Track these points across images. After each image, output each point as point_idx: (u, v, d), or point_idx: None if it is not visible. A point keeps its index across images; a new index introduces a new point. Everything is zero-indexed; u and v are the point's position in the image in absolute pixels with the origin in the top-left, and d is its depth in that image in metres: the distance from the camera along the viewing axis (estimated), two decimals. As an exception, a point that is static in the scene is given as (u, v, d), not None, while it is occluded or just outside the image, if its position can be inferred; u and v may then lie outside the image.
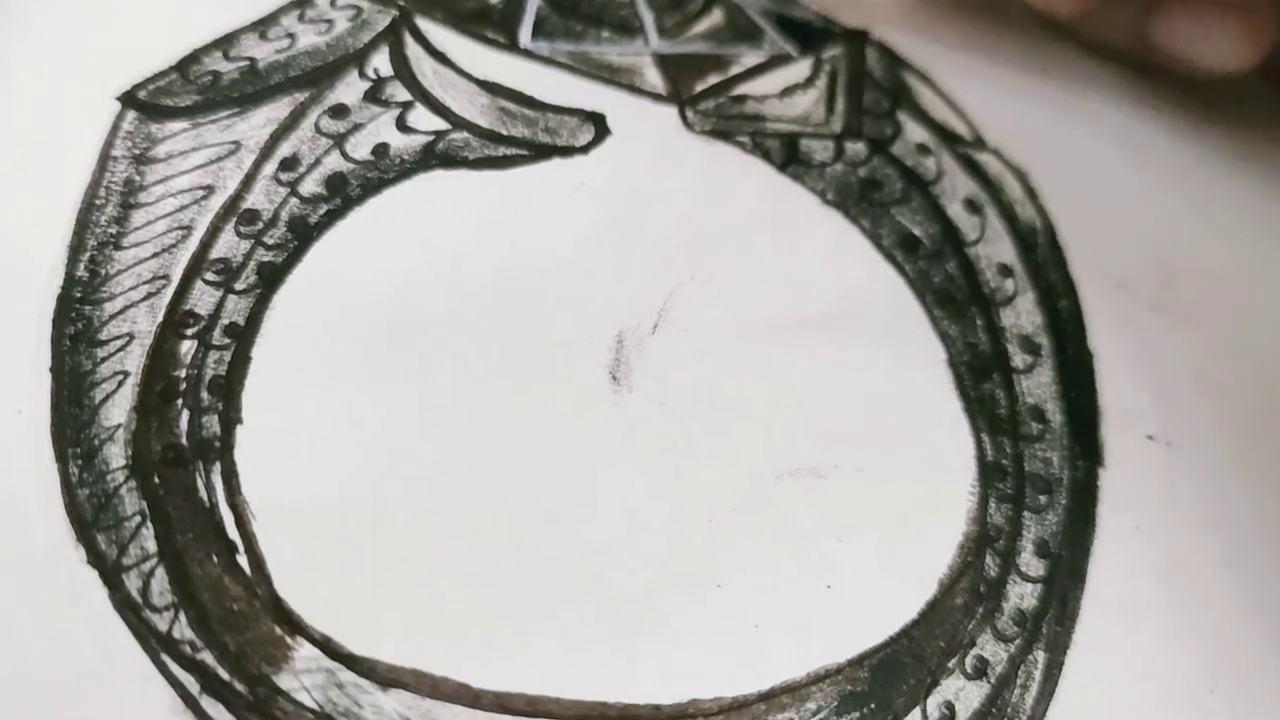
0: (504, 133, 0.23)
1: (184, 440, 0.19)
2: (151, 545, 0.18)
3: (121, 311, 0.19)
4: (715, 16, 0.26)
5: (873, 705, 0.19)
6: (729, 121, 0.24)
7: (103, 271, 0.20)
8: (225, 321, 0.20)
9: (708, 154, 0.24)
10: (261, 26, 0.23)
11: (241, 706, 0.17)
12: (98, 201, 0.20)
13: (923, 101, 0.26)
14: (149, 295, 0.20)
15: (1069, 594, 0.21)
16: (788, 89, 0.25)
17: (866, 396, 0.22)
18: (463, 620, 0.18)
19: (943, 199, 0.24)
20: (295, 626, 0.18)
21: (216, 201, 0.21)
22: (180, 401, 0.19)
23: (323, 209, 0.21)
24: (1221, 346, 0.24)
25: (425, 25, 0.24)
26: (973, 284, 0.24)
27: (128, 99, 0.22)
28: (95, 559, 0.17)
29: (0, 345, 0.19)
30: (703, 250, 0.23)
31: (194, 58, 0.22)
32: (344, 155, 0.22)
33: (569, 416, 0.20)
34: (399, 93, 0.23)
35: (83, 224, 0.20)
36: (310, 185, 0.21)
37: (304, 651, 0.17)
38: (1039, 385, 0.23)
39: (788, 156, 0.24)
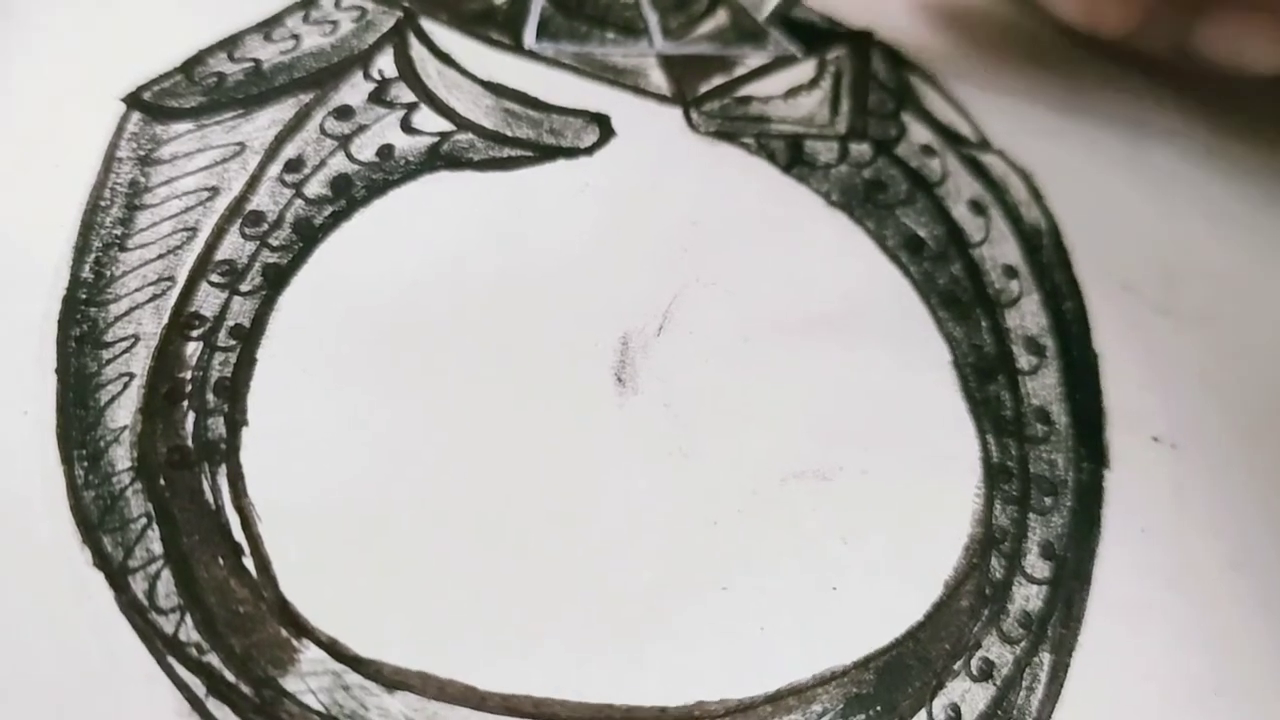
0: (509, 134, 0.23)
1: (190, 442, 0.19)
2: (157, 547, 0.18)
3: (127, 313, 0.19)
4: (720, 18, 0.26)
5: (878, 707, 0.19)
6: (734, 123, 0.24)
7: (108, 273, 0.20)
8: (230, 323, 0.20)
9: (712, 155, 0.24)
10: (266, 28, 0.23)
11: (248, 709, 0.17)
12: (103, 203, 0.20)
13: (927, 103, 0.26)
14: (154, 297, 0.20)
15: (1074, 596, 0.20)
16: (792, 90, 0.25)
17: (871, 398, 0.22)
18: (468, 622, 0.18)
19: (948, 200, 0.24)
20: (301, 629, 0.18)
21: (221, 203, 0.21)
22: (186, 403, 0.19)
23: (328, 210, 0.21)
24: (1227, 348, 0.24)
25: (430, 26, 0.24)
26: (978, 285, 0.24)
27: (133, 100, 0.22)
28: (101, 561, 0.17)
29: (6, 347, 0.19)
30: (707, 252, 0.23)
31: (199, 59, 0.22)
32: (349, 157, 0.22)
33: (574, 418, 0.20)
34: (404, 94, 0.23)
35: (88, 225, 0.20)
36: (315, 187, 0.21)
37: (310, 654, 0.17)
38: (1044, 387, 0.23)
39: (792, 158, 0.24)
